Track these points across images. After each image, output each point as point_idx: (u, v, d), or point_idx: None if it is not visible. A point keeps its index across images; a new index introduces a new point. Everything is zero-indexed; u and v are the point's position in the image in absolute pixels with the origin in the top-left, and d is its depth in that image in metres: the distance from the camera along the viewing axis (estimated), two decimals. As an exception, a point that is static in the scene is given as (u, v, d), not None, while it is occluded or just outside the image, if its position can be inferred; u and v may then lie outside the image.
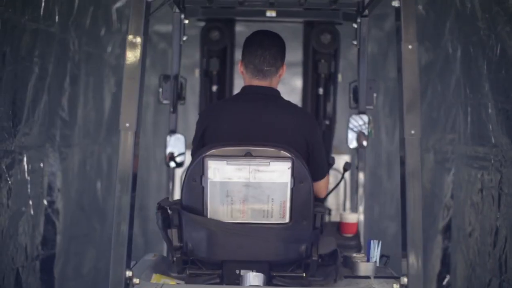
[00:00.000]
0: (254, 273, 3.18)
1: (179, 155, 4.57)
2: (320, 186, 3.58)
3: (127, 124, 3.01)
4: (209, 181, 3.17)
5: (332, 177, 3.93)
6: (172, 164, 4.55)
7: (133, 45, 2.96)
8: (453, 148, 5.39)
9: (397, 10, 3.02)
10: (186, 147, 4.53)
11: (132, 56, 2.97)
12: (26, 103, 4.34)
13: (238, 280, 3.20)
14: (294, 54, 5.26)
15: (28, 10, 4.33)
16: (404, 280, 3.00)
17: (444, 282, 5.57)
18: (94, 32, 5.97)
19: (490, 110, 4.52)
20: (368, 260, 3.40)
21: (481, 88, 4.69)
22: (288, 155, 3.18)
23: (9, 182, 4.10)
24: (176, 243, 3.25)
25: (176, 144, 4.58)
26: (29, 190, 4.47)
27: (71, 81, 5.28)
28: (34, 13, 4.43)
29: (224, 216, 3.19)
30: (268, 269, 3.25)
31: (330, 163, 3.92)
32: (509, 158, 4.17)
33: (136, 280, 3.05)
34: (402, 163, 3.04)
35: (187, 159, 4.10)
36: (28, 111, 4.38)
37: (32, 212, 4.53)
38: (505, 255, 4.18)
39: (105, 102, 6.41)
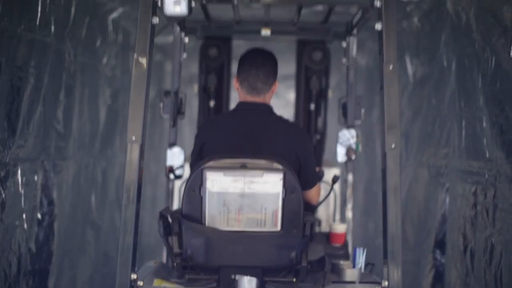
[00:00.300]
0: (248, 278, 3.41)
1: (178, 168, 4.75)
2: (311, 195, 3.89)
3: (134, 137, 3.28)
4: (207, 191, 3.40)
5: (323, 190, 4.15)
6: (172, 176, 4.72)
7: (139, 64, 3.25)
8: (447, 162, 5.39)
9: (380, 33, 3.29)
10: (185, 160, 4.70)
11: (138, 74, 3.26)
12: (21, 114, 4.33)
13: (234, 284, 3.41)
14: (288, 70, 5.60)
15: (24, 20, 4.32)
16: (385, 283, 3.28)
17: None
18: (90, 42, 5.96)
19: (484, 124, 4.51)
20: (353, 267, 3.67)
21: (476, 101, 4.69)
22: (280, 167, 3.42)
23: (3, 196, 4.08)
24: (176, 249, 3.46)
25: (176, 157, 4.77)
26: (23, 204, 4.45)
27: (66, 92, 5.27)
28: (30, 23, 4.43)
29: (221, 224, 3.41)
30: (261, 274, 3.47)
31: (320, 176, 4.20)
32: (503, 172, 4.16)
33: (140, 283, 3.32)
34: (384, 176, 3.29)
35: (186, 171, 4.37)
36: (23, 123, 4.36)
37: (25, 225, 4.51)
38: (500, 271, 4.16)
39: (100, 114, 6.40)
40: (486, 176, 4.42)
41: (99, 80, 6.39)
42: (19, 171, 4.33)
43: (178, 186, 4.91)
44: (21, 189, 4.39)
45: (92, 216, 6.21)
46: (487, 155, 4.42)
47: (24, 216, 4.48)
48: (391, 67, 3.30)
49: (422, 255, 5.77)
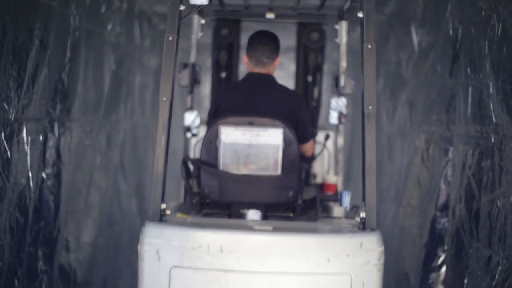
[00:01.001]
0: (254, 211, 4.20)
1: (194, 128, 5.42)
2: (306, 148, 4.74)
3: (164, 98, 3.95)
4: (221, 142, 4.26)
5: (318, 150, 5.26)
6: (189, 135, 5.45)
7: (169, 41, 3.92)
8: (452, 128, 5.39)
9: (361, 19, 4.00)
10: (200, 122, 5.45)
11: (169, 48, 3.93)
12: (27, 75, 4.33)
13: (242, 217, 4.20)
14: (289, 48, 6.73)
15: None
16: (363, 214, 3.95)
17: (438, 262, 5.58)
18: (95, 9, 5.95)
19: (491, 90, 4.51)
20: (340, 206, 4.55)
21: (482, 68, 4.69)
22: (280, 124, 4.29)
23: (8, 153, 4.09)
24: (195, 189, 4.32)
25: (192, 119, 5.42)
26: (28, 162, 4.46)
27: (71, 56, 5.27)
28: (35, -13, 4.43)
29: (232, 169, 4.27)
30: (265, 209, 4.24)
31: (314, 133, 5.12)
32: (509, 136, 4.17)
33: (168, 211, 4.03)
34: (363, 133, 4.04)
35: (201, 131, 5.25)
36: (28, 83, 4.36)
37: (31, 184, 4.52)
38: (504, 233, 4.18)
39: (105, 80, 6.41)
40: (492, 140, 4.42)
41: (104, 46, 6.39)
42: (24, 130, 4.33)
43: (193, 144, 5.58)
44: (27, 148, 4.40)
45: (96, 179, 6.22)
46: (494, 120, 4.42)
47: (30, 174, 4.48)
48: (369, 46, 4.00)
49: (426, 219, 5.78)
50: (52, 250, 5.07)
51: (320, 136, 5.59)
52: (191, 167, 4.40)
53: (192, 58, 5.69)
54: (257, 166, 4.29)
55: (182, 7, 4.02)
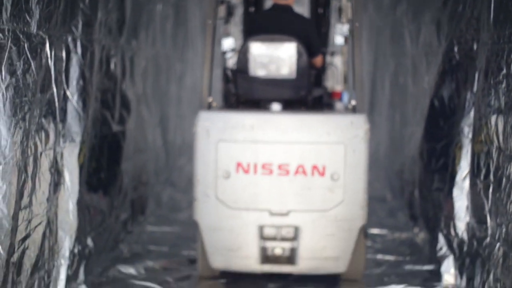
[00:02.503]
0: (276, 104, 5.68)
1: (230, 50, 6.80)
2: (316, 61, 6.00)
3: (210, 21, 5.56)
4: (251, 54, 5.62)
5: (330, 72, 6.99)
6: (228, 55, 6.81)
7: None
8: (479, 37, 5.31)
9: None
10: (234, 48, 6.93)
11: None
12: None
13: (268, 108, 5.68)
14: None
15: None
16: (353, 102, 5.62)
17: None
18: None
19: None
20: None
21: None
22: (294, 40, 5.61)
23: (32, 67, 4.07)
24: (233, 91, 5.79)
25: (228, 43, 6.87)
26: (53, 77, 4.45)
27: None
28: None
29: (259, 75, 5.65)
30: (284, 103, 5.69)
31: (322, 50, 6.24)
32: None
33: (214, 103, 5.68)
34: (353, 45, 5.58)
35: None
36: (49, -2, 4.32)
37: (56, 100, 4.52)
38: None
39: (125, 5, 6.36)
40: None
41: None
42: (47, 44, 4.30)
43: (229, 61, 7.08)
44: (50, 63, 4.38)
45: (118, 105, 6.22)
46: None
47: (54, 89, 4.48)
48: (357, 24, 5.59)
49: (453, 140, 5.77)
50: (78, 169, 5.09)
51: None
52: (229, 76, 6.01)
53: None
54: (278, 72, 5.64)
55: None
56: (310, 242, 5.43)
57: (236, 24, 7.81)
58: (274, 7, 5.89)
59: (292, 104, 5.71)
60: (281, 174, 5.36)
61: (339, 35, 6.48)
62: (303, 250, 5.43)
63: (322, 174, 5.35)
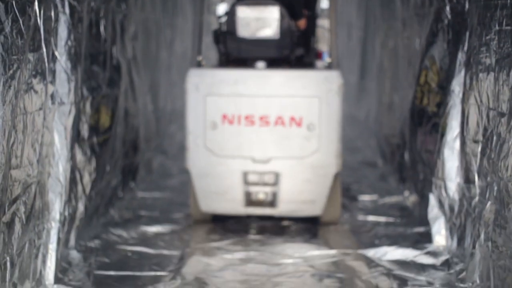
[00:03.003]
0: (261, 62, 6.16)
1: (223, 15, 6.73)
2: (300, 23, 6.43)
3: None
4: (238, 17, 6.09)
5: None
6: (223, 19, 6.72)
7: None
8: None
9: None
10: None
11: None
12: None
13: (253, 66, 6.15)
14: None
15: None
16: (328, 60, 6.26)
17: None
18: None
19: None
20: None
21: None
22: (277, 4, 6.08)
23: (21, 23, 4.02)
24: (222, 50, 6.32)
25: (223, 8, 7.54)
26: (42, 36, 4.40)
27: None
28: None
29: (245, 34, 6.12)
30: (269, 62, 6.18)
31: (304, 14, 6.54)
32: None
33: (203, 62, 6.32)
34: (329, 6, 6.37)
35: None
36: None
37: (46, 60, 4.48)
38: None
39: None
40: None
41: None
42: (36, 2, 4.25)
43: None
44: (40, 22, 4.33)
45: (108, 67, 6.18)
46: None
47: (44, 48, 4.43)
48: None
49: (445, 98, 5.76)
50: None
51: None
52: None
53: None
54: (262, 32, 6.10)
55: None
56: (289, 186, 6.02)
57: None
58: None
59: (276, 62, 6.19)
60: (262, 125, 5.94)
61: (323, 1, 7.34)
62: (283, 194, 6.04)
63: (299, 124, 5.92)
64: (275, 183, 6.01)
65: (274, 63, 6.16)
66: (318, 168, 5.99)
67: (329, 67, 6.16)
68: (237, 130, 5.95)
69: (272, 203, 6.07)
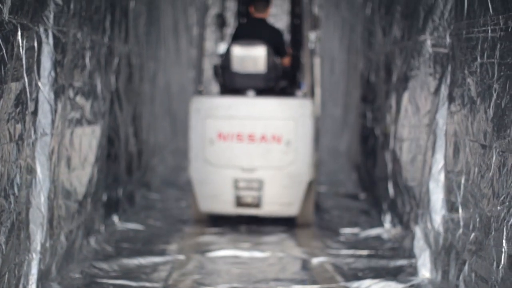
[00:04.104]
0: (251, 91, 7.53)
1: (223, 52, 8.05)
2: (284, 61, 7.89)
3: (201, 30, 7.67)
4: (232, 54, 7.45)
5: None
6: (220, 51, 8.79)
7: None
8: (450, 28, 5.32)
9: None
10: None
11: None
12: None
13: (245, 94, 7.53)
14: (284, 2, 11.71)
15: None
16: (304, 90, 7.65)
17: None
18: None
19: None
20: (300, 88, 8.27)
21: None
22: (264, 44, 7.41)
23: (4, 54, 4.01)
24: (220, 82, 7.80)
25: (223, 46, 8.76)
26: (24, 67, 4.39)
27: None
28: None
29: (238, 69, 7.48)
30: (258, 91, 7.53)
31: (288, 52, 8.07)
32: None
33: (203, 91, 7.84)
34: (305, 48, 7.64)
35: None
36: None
37: (27, 89, 4.46)
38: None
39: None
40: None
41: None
42: (19, 33, 4.24)
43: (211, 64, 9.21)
44: (22, 52, 4.32)
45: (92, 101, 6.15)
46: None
47: (25, 80, 4.41)
48: (306, 34, 7.64)
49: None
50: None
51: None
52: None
53: (220, 10, 8.91)
54: (252, 67, 7.43)
55: None
56: (271, 191, 7.33)
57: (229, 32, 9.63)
58: (251, 20, 8.06)
59: (264, 91, 7.52)
60: (249, 141, 7.29)
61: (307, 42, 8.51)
62: (266, 197, 7.33)
63: (279, 141, 7.29)
64: (260, 188, 7.31)
65: (262, 91, 7.49)
66: (294, 176, 7.32)
67: (305, 95, 7.59)
68: (229, 145, 7.29)
69: (257, 205, 7.34)
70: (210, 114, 7.29)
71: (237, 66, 7.41)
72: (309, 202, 7.46)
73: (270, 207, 7.35)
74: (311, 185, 7.42)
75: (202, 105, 7.32)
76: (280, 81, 7.67)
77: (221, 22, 8.86)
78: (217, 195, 7.34)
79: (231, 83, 7.51)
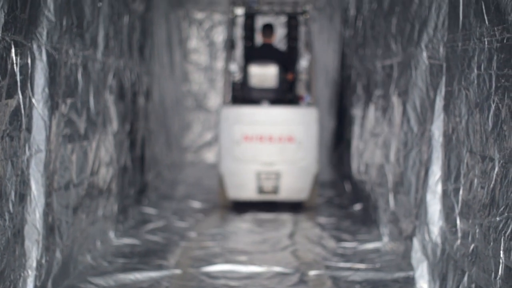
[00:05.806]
0: (266, 102, 9.54)
1: (235, 72, 10.06)
2: (289, 76, 9.76)
3: (228, 49, 10.08)
4: (250, 73, 9.51)
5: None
6: (233, 75, 10.17)
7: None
8: (445, 39, 5.31)
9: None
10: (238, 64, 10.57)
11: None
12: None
13: (260, 103, 9.54)
14: (281, 28, 13.59)
15: None
16: (310, 101, 9.67)
17: None
18: None
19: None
20: (304, 100, 9.99)
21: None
22: (275, 65, 9.47)
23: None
24: (241, 95, 9.78)
25: (234, 67, 9.98)
26: (18, 84, 4.37)
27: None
28: None
29: (255, 84, 9.59)
30: (271, 102, 9.56)
31: (293, 70, 10.05)
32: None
33: (230, 102, 9.91)
34: (309, 66, 9.72)
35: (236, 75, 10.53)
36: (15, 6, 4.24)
37: (22, 106, 4.43)
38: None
39: (94, 14, 6.29)
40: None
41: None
42: (12, 50, 4.22)
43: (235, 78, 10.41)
44: (16, 69, 4.30)
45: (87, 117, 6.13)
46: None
47: (20, 97, 4.39)
48: (308, 54, 9.78)
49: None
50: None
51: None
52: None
53: (231, 35, 10.03)
54: (266, 83, 9.43)
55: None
56: (286, 181, 9.27)
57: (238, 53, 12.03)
58: (263, 45, 10.04)
59: (275, 102, 9.52)
60: (269, 141, 9.26)
61: (304, 60, 10.05)
62: (282, 185, 9.27)
63: (292, 141, 9.26)
64: (277, 179, 9.25)
65: (274, 102, 9.50)
66: (304, 169, 9.26)
67: (310, 105, 9.51)
68: (253, 145, 9.25)
69: (275, 192, 9.27)
70: (237, 120, 9.21)
71: (254, 81, 9.41)
72: (315, 189, 9.37)
73: (286, 193, 9.28)
74: (316, 176, 9.29)
75: (230, 113, 9.24)
76: (287, 94, 9.70)
77: (231, 45, 10.17)
78: (243, 184, 9.27)
79: (250, 96, 9.48)
